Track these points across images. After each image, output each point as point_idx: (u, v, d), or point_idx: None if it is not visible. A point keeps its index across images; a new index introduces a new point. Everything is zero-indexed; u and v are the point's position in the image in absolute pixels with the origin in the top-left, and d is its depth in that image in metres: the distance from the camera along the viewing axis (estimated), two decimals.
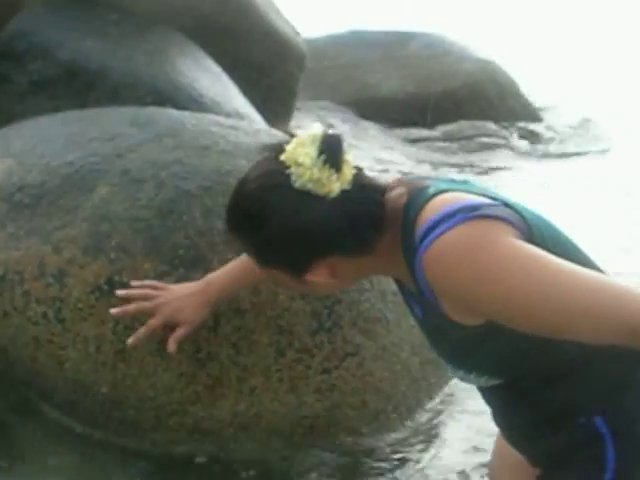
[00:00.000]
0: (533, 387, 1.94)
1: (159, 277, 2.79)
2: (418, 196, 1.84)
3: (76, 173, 3.06)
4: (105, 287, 2.80)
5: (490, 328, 1.79)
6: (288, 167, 1.76)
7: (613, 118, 11.66)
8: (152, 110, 3.54)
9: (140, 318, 2.73)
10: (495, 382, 1.96)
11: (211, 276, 2.61)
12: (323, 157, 1.75)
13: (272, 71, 6.67)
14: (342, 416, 2.92)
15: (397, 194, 1.87)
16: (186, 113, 3.50)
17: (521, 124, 11.49)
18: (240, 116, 4.87)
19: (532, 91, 12.66)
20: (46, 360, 2.87)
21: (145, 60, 4.97)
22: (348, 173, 1.78)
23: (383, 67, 12.07)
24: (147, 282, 2.71)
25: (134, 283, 2.72)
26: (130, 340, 2.65)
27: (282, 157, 1.78)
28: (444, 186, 1.85)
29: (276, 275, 1.95)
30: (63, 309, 2.83)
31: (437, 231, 1.72)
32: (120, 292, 2.68)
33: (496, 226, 1.73)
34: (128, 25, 5.36)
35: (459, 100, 11.60)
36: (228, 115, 4.51)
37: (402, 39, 12.51)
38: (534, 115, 12.27)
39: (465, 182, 1.96)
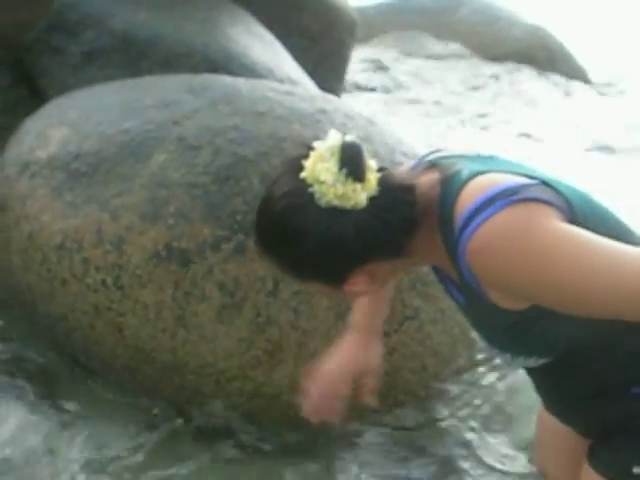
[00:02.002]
0: (582, 361, 1.91)
1: (217, 242, 2.79)
2: (452, 183, 1.77)
3: (132, 141, 3.07)
4: (163, 253, 2.81)
5: (536, 310, 1.76)
6: (310, 185, 1.68)
7: None
8: (207, 77, 3.54)
9: (198, 284, 2.75)
10: (543, 361, 1.94)
11: (357, 323, 2.33)
12: (345, 171, 1.67)
13: (323, 38, 6.64)
14: (402, 379, 2.91)
15: (429, 184, 1.80)
16: (241, 79, 3.49)
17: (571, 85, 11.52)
18: (293, 83, 4.84)
19: (582, 56, 12.60)
20: (105, 327, 2.90)
21: (197, 29, 4.95)
22: (373, 179, 1.70)
23: (433, 34, 12.05)
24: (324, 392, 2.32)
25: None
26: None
27: (302, 174, 1.70)
28: (477, 167, 1.78)
29: (313, 286, 1.89)
30: (122, 276, 2.84)
31: (477, 220, 1.66)
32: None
33: (537, 210, 1.66)
34: None
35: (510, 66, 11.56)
36: (281, 82, 4.49)
37: (451, 6, 12.49)
38: (585, 80, 12.20)
39: (491, 157, 1.90)
